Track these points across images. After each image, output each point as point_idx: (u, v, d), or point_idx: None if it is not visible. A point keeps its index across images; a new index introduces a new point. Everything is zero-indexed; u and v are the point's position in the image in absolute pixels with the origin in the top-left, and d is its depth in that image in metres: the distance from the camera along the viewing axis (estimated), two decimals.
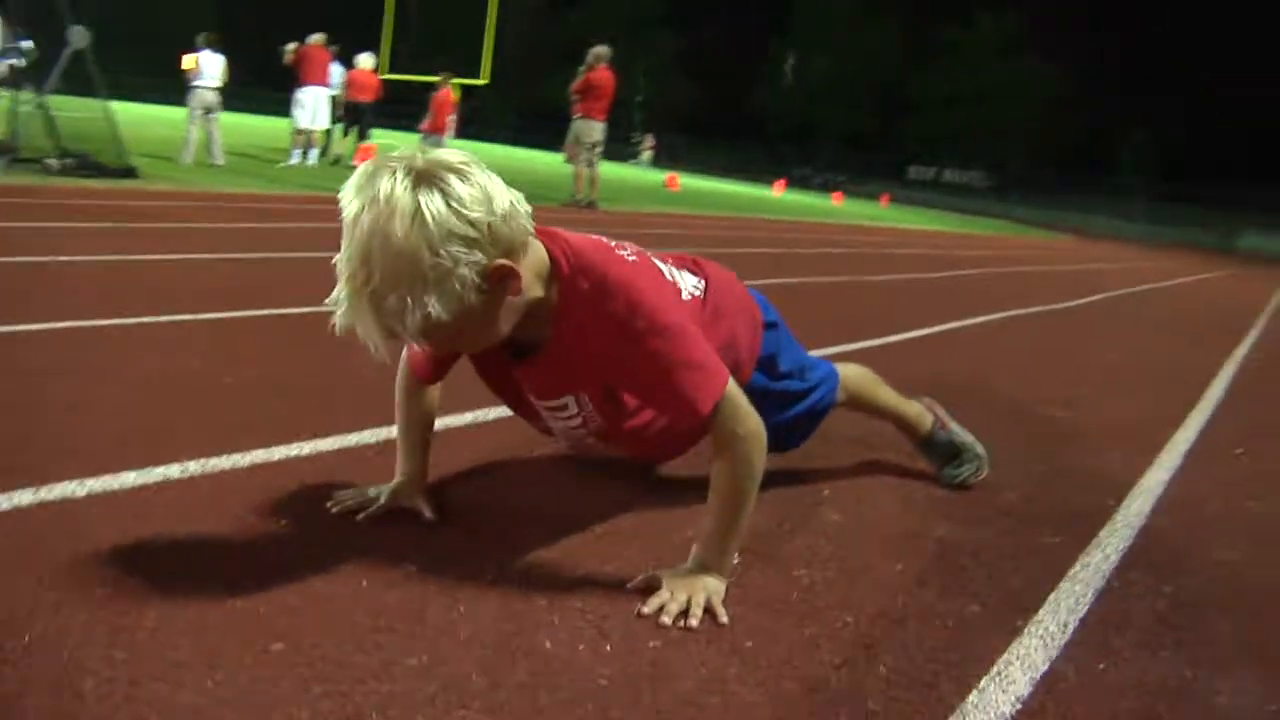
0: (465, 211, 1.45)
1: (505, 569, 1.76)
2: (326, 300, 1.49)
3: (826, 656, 1.58)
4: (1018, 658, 1.65)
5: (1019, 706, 1.50)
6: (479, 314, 1.52)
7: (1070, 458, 3.03)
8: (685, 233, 11.07)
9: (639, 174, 32.89)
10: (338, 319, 1.47)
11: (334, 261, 1.48)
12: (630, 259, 1.74)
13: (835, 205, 29.21)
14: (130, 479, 1.93)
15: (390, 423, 2.45)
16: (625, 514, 2.10)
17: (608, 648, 1.52)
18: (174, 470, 2.00)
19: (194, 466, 2.04)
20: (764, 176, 44.95)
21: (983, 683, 1.56)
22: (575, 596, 1.68)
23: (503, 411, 2.71)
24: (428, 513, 1.93)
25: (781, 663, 1.54)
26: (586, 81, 13.41)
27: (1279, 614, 2.03)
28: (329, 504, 1.92)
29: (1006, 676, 1.58)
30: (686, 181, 27.52)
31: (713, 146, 61.58)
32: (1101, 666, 1.67)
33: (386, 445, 2.32)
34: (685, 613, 1.64)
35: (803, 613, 1.73)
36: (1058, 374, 4.76)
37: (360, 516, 1.89)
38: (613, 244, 1.77)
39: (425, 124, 17.42)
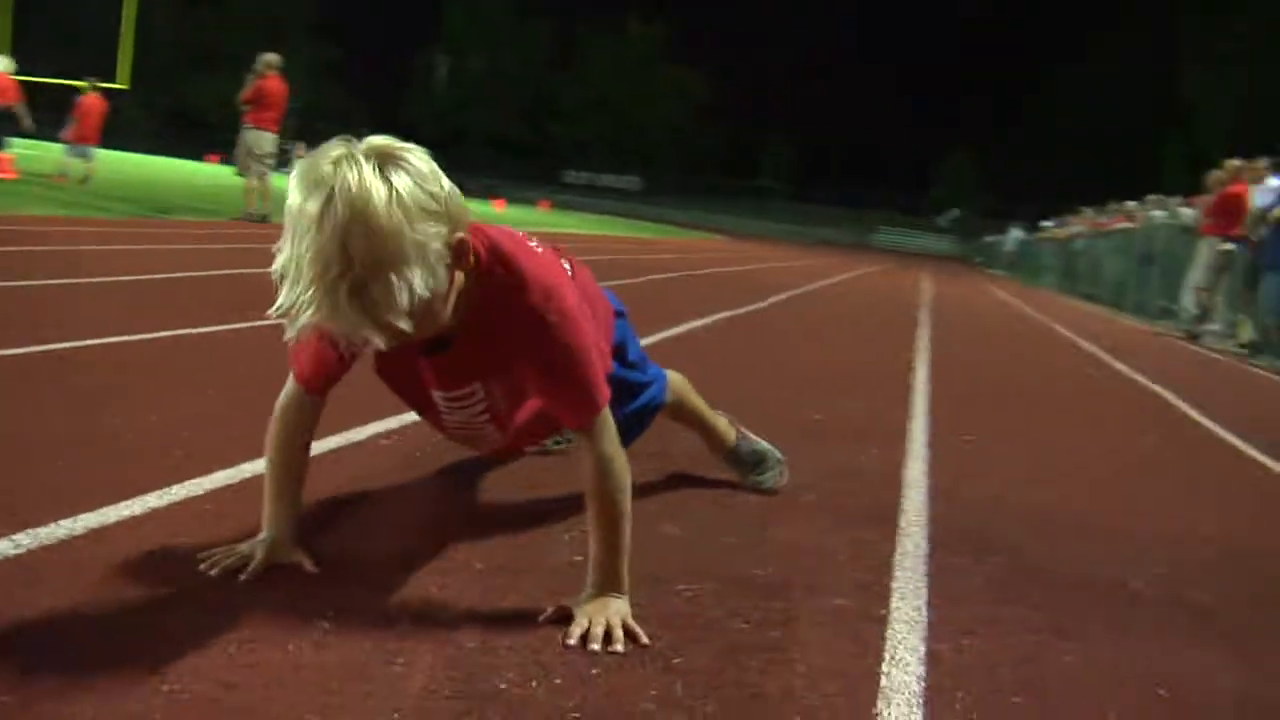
0: (428, 186, 1.49)
1: (416, 616, 1.73)
2: (272, 310, 1.44)
3: (749, 663, 1.69)
4: (899, 643, 1.84)
5: (925, 684, 1.68)
6: (442, 291, 1.56)
7: (840, 457, 3.32)
8: None
9: None
10: (301, 321, 1.44)
11: (276, 268, 1.45)
12: (539, 250, 1.82)
13: (498, 211, 29.35)
14: None
15: (211, 471, 2.33)
16: (496, 546, 2.12)
17: (558, 681, 1.55)
18: (4, 546, 1.81)
19: (25, 539, 1.84)
20: None
21: (884, 667, 1.73)
22: (498, 635, 1.69)
23: (339, 441, 2.66)
24: (309, 566, 1.86)
25: (715, 674, 1.63)
26: (257, 90, 12.88)
27: (1076, 585, 2.36)
28: (202, 566, 1.81)
29: (901, 660, 1.76)
30: None
31: None
32: (966, 642, 1.89)
33: (218, 496, 2.20)
34: (607, 637, 1.70)
35: (702, 625, 1.83)
36: (788, 375, 5.15)
37: (243, 577, 1.79)
38: (521, 234, 1.84)
39: (69, 132, 15.99)
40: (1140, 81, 52.56)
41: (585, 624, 1.72)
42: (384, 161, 1.46)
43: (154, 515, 2.05)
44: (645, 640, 1.72)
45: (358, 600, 1.77)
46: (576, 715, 1.46)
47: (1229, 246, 10.60)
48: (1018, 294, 19.19)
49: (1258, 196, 10.25)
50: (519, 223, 22.28)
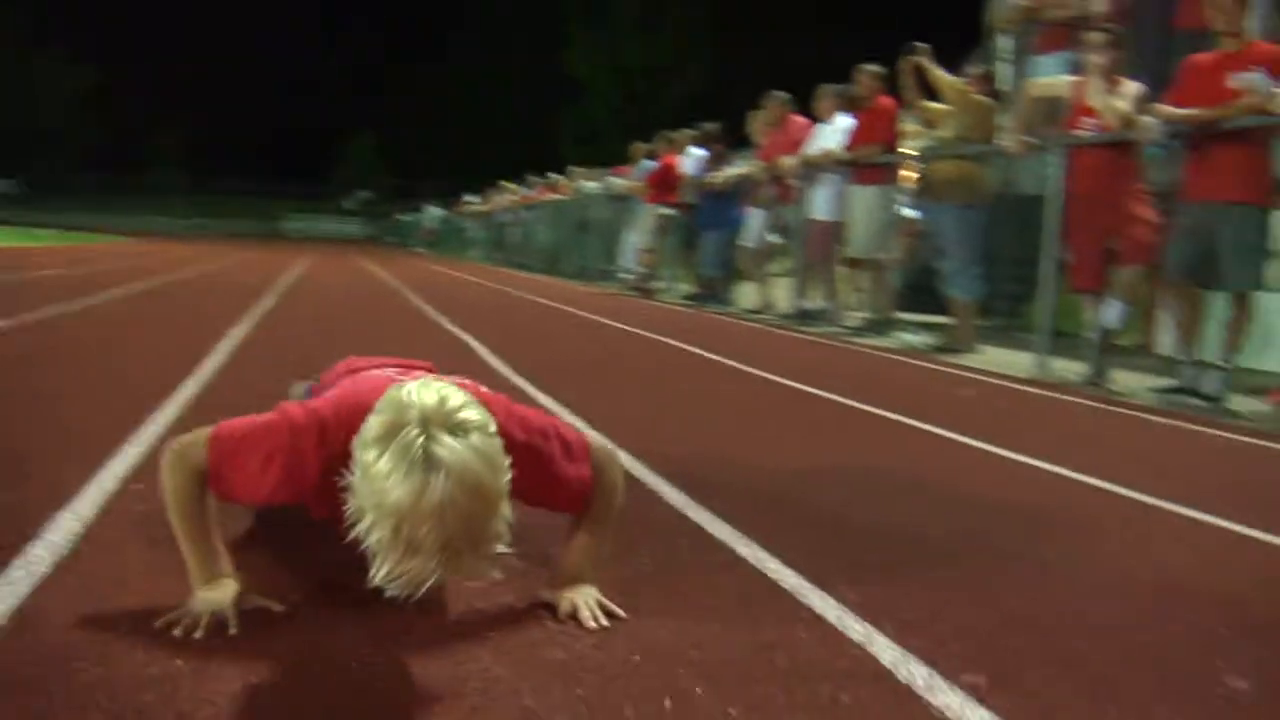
0: (491, 429, 1.56)
1: (420, 636, 1.75)
2: (383, 580, 1.48)
3: (799, 667, 1.89)
4: (859, 607, 2.13)
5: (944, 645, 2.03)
6: None
7: None
8: None
9: None
10: (428, 583, 1.49)
11: (371, 543, 1.48)
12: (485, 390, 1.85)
13: None
14: None
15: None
16: None
17: (639, 658, 1.71)
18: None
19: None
20: None
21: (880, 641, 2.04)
22: (514, 632, 1.79)
23: None
24: (276, 606, 1.79)
25: (742, 662, 1.85)
26: None
27: (875, 530, 2.84)
28: (176, 632, 1.64)
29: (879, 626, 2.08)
30: None
31: None
32: (874, 589, 2.26)
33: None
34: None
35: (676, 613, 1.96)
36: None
37: (232, 630, 1.67)
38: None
39: None
40: (531, 56, 55.60)
41: (571, 604, 1.86)
42: (458, 430, 1.49)
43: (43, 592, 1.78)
44: (623, 615, 1.87)
45: (362, 629, 1.74)
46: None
47: (668, 212, 12.13)
48: (463, 270, 20.02)
49: (687, 165, 11.85)
50: None
